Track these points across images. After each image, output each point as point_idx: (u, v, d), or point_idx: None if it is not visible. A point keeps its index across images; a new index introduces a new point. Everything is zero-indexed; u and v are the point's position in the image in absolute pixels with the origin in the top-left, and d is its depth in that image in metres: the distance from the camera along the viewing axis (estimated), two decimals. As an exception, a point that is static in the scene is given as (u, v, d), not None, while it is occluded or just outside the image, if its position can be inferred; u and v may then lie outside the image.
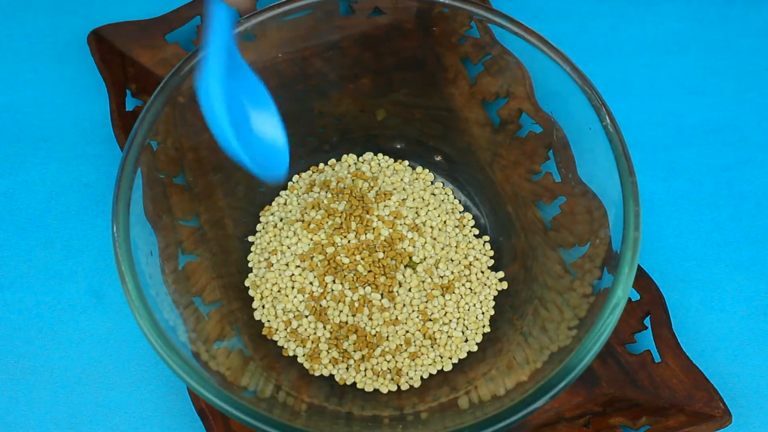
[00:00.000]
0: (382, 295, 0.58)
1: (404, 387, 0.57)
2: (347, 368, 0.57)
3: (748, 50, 0.69)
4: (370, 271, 0.59)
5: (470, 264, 0.60)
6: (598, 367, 0.57)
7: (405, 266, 0.59)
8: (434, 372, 0.57)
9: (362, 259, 0.59)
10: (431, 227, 0.61)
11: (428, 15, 0.62)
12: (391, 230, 0.60)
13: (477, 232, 0.61)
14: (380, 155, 0.63)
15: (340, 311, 0.58)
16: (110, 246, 0.52)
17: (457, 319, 0.59)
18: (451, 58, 0.63)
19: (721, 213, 0.63)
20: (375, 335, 0.57)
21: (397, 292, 0.58)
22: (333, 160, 0.63)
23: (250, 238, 0.61)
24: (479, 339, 0.58)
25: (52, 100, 0.67)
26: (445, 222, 0.61)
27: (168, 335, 0.50)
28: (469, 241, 0.61)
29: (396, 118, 0.63)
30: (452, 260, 0.60)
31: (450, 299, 0.59)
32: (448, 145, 0.63)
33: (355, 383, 0.57)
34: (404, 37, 0.63)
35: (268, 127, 0.53)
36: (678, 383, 0.56)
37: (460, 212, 0.62)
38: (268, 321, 0.59)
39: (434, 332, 0.58)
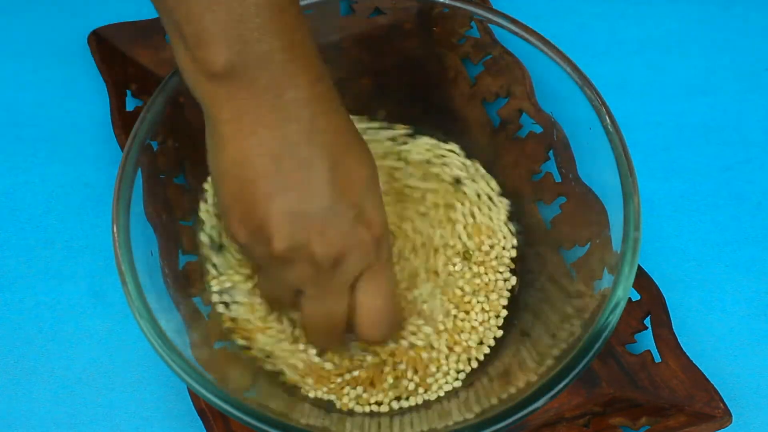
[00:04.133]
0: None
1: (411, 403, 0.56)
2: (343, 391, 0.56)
3: (748, 50, 0.69)
4: None
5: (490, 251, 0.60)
6: (598, 367, 0.57)
7: (463, 258, 0.59)
8: (450, 389, 0.57)
9: None
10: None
11: (428, 15, 0.62)
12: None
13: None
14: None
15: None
16: (110, 246, 0.52)
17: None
18: (451, 58, 0.63)
19: (721, 213, 0.63)
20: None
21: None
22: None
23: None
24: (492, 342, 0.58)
25: (53, 101, 0.67)
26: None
27: (168, 335, 0.50)
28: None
29: (396, 118, 0.63)
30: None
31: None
32: (449, 145, 0.63)
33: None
34: (404, 37, 0.63)
35: None
36: (678, 383, 0.56)
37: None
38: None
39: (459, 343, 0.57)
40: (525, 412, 0.48)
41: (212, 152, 0.48)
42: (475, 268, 0.59)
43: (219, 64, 0.46)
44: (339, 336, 0.53)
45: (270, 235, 0.47)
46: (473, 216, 0.59)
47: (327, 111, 0.48)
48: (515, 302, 0.59)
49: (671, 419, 0.55)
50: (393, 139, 0.61)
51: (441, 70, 0.63)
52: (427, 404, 0.55)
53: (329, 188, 0.47)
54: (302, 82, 0.47)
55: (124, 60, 0.66)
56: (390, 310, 0.52)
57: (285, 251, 0.48)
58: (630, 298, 0.57)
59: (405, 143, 0.61)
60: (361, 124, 0.57)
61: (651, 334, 0.58)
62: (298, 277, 0.49)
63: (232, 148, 0.47)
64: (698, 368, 0.57)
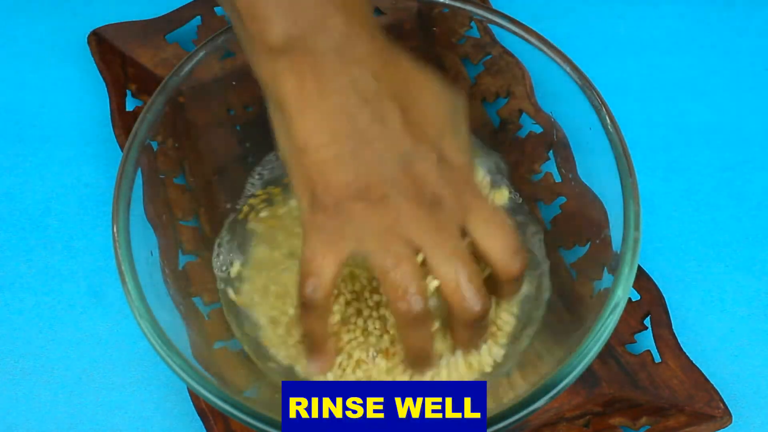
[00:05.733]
0: None
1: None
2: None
3: (748, 50, 0.69)
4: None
5: None
6: (598, 367, 0.57)
7: None
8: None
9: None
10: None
11: (428, 15, 0.62)
12: None
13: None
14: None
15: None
16: (110, 246, 0.52)
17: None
18: (451, 58, 0.63)
19: (721, 213, 0.63)
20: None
21: None
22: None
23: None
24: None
25: (52, 101, 0.67)
26: None
27: (168, 335, 0.50)
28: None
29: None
30: None
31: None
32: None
33: None
34: (404, 37, 0.63)
35: None
36: (678, 383, 0.56)
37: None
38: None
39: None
40: (525, 412, 0.48)
41: (280, 130, 0.48)
42: None
43: (277, 36, 0.45)
44: (481, 285, 0.50)
45: (364, 189, 0.47)
46: None
47: (389, 61, 0.48)
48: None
49: (671, 419, 0.55)
50: None
51: (441, 70, 0.63)
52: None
53: (407, 134, 0.47)
54: (361, 40, 0.47)
55: (124, 60, 0.66)
56: (513, 238, 0.50)
57: (383, 200, 0.47)
58: (630, 298, 0.57)
59: None
60: None
61: (651, 334, 0.58)
62: (409, 228, 0.48)
63: (301, 120, 0.47)
64: (698, 368, 0.57)
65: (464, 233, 0.49)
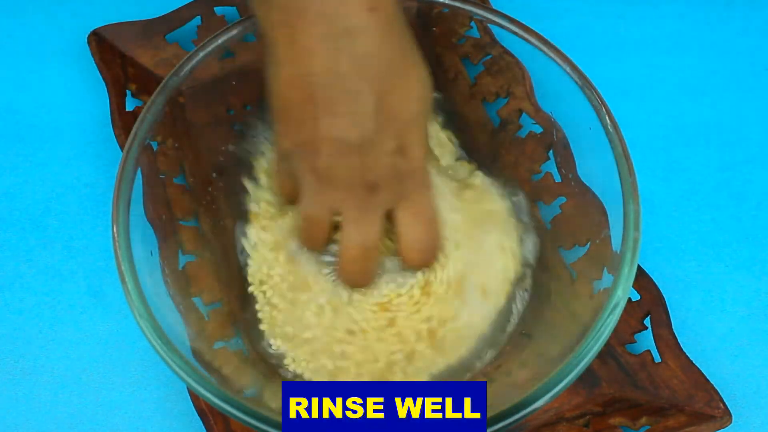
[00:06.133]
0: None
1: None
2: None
3: (748, 50, 0.69)
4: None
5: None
6: (598, 367, 0.57)
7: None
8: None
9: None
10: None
11: (428, 15, 0.62)
12: None
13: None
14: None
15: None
16: (110, 246, 0.52)
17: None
18: (451, 58, 0.63)
19: (721, 213, 0.63)
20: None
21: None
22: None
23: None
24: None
25: (52, 100, 0.67)
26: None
27: (168, 335, 0.50)
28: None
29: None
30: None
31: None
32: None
33: None
34: (404, 37, 0.63)
35: None
36: (678, 383, 0.56)
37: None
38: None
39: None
40: (525, 412, 0.48)
41: (270, 69, 0.50)
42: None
43: None
44: (371, 268, 0.55)
45: (314, 152, 0.50)
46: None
47: (381, 41, 0.49)
48: (515, 303, 0.59)
49: (671, 419, 0.55)
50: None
51: (441, 70, 0.63)
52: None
53: (373, 120, 0.49)
54: (356, 11, 0.48)
55: (124, 60, 0.66)
56: (429, 236, 0.54)
57: (326, 170, 0.50)
58: (630, 298, 0.57)
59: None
60: None
61: (651, 334, 0.58)
62: (339, 197, 0.51)
63: (285, 70, 0.49)
64: (698, 368, 0.57)
65: (390, 219, 0.53)
